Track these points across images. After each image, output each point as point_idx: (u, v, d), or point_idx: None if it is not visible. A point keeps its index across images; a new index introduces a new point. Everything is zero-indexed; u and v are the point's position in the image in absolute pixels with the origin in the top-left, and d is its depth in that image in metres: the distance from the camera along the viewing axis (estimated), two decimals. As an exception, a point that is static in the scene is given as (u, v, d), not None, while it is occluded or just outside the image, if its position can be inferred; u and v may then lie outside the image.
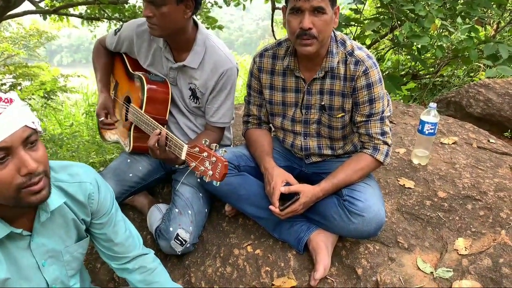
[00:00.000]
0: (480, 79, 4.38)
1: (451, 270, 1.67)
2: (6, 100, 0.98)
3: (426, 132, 2.16)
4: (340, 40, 1.73)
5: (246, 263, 1.83)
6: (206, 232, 2.01)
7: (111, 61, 2.16)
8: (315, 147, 1.90)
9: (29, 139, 1.00)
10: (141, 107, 1.88)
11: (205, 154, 1.44)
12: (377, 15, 4.22)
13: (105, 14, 6.46)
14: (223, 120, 1.96)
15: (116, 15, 6.56)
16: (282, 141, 1.98)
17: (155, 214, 1.97)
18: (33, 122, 1.02)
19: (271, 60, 1.84)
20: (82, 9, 6.62)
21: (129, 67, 2.04)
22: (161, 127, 1.72)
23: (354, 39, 4.26)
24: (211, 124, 1.97)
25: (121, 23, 7.66)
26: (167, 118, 1.94)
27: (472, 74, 5.12)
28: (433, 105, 2.14)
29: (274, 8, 5.29)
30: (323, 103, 1.78)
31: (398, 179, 2.16)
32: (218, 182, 1.43)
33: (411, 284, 1.62)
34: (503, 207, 1.95)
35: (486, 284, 1.60)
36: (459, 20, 3.74)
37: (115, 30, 2.07)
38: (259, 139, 1.94)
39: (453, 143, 2.54)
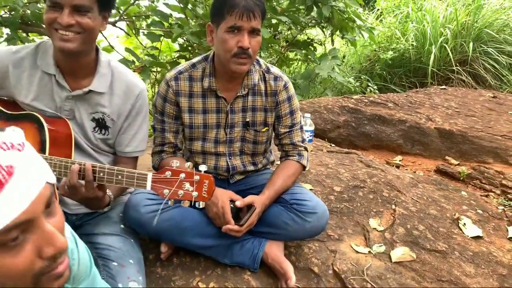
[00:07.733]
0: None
1: (382, 244, 1.92)
2: (20, 145, 0.65)
3: (307, 139, 2.41)
4: (255, 60, 1.83)
5: (207, 299, 1.66)
6: (140, 284, 1.72)
7: None
8: (240, 165, 1.90)
9: (49, 200, 0.68)
10: (43, 151, 1.51)
11: (182, 175, 1.30)
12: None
13: None
14: (140, 147, 1.75)
15: None
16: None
17: None
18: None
19: (188, 83, 1.77)
20: None
21: (3, 109, 1.62)
22: (81, 161, 1.44)
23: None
24: (125, 156, 1.73)
25: None
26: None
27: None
28: (307, 115, 2.42)
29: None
30: (247, 120, 1.82)
31: (296, 185, 2.34)
32: (204, 203, 1.31)
33: (361, 266, 1.79)
34: (382, 188, 2.36)
35: (410, 247, 1.91)
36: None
37: None
38: (181, 166, 1.82)
39: (311, 151, 2.90)
